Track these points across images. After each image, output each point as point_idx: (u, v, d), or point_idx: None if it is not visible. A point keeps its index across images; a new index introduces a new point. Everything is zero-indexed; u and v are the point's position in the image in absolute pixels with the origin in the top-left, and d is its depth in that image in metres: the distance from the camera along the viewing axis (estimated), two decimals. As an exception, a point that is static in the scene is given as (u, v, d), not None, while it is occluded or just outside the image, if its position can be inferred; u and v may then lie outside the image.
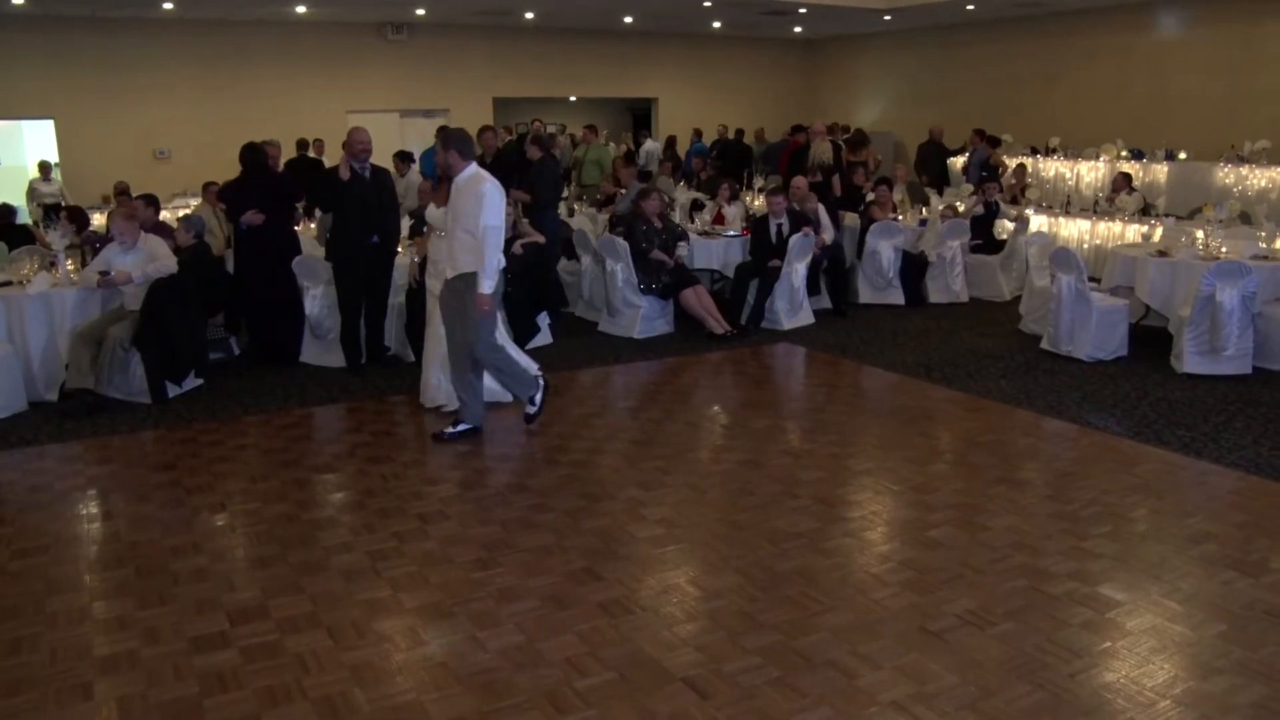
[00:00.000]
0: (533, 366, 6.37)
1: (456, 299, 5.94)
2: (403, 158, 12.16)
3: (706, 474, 5.57)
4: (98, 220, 10.35)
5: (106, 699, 3.46)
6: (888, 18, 16.55)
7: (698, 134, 17.71)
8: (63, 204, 12.32)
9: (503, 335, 6.48)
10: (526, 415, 6.30)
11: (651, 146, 17.12)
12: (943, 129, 15.39)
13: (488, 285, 5.78)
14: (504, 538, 4.70)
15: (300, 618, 3.98)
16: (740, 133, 17.29)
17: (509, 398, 6.55)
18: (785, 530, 4.74)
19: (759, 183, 13.86)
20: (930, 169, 14.71)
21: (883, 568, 4.36)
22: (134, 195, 10.54)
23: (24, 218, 12.05)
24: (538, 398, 6.28)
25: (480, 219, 5.66)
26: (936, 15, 16.60)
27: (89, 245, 8.19)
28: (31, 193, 13.96)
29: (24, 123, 16.57)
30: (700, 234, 9.58)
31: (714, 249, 9.37)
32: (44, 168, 14.40)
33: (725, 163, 15.43)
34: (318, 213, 10.65)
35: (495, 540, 4.68)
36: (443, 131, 5.88)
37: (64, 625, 3.98)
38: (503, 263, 5.95)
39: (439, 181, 6.49)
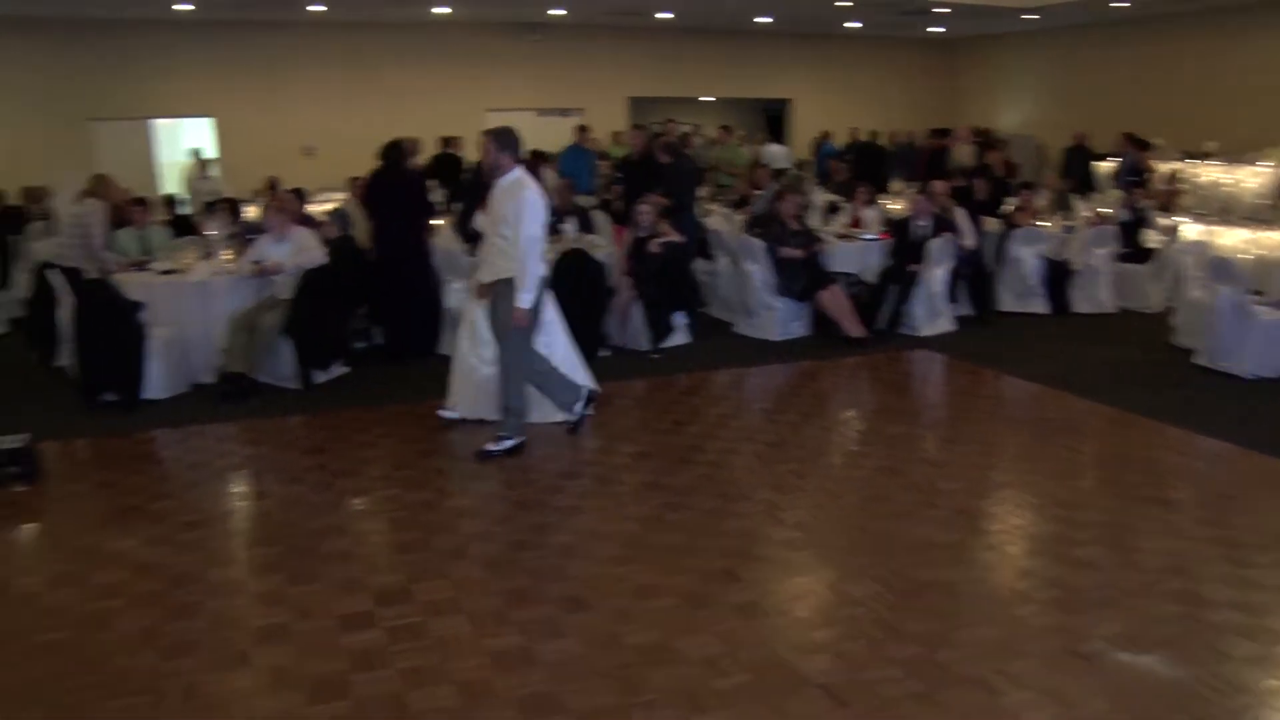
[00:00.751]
0: (579, 384, 6.21)
1: (493, 305, 5.78)
2: (539, 157, 12.33)
3: (842, 479, 5.50)
4: (251, 212, 10.80)
5: (262, 668, 3.63)
6: (1033, 16, 16.03)
7: (826, 136, 17.48)
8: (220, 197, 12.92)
9: (559, 352, 6.30)
10: (568, 424, 6.13)
11: (776, 150, 16.85)
12: (1087, 132, 14.83)
13: (527, 299, 5.54)
14: (640, 535, 4.74)
15: (443, 602, 4.09)
16: (874, 134, 17.00)
17: (559, 416, 6.31)
18: (925, 540, 4.64)
19: (895, 186, 13.64)
20: (1075, 174, 14.19)
21: (1027, 584, 4.23)
22: (284, 189, 10.98)
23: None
24: (577, 407, 6.09)
25: (521, 227, 5.40)
26: (1083, 13, 16.00)
27: (242, 236, 8.57)
28: (192, 190, 14.68)
29: (185, 120, 17.42)
30: (837, 237, 9.45)
31: (851, 252, 9.24)
32: (201, 164, 15.09)
33: (861, 165, 15.20)
34: (453, 206, 10.91)
35: (632, 537, 4.72)
36: (493, 130, 5.57)
37: (224, 595, 4.20)
38: (544, 272, 5.77)
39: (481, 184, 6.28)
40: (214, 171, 15.22)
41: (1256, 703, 3.38)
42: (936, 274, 8.76)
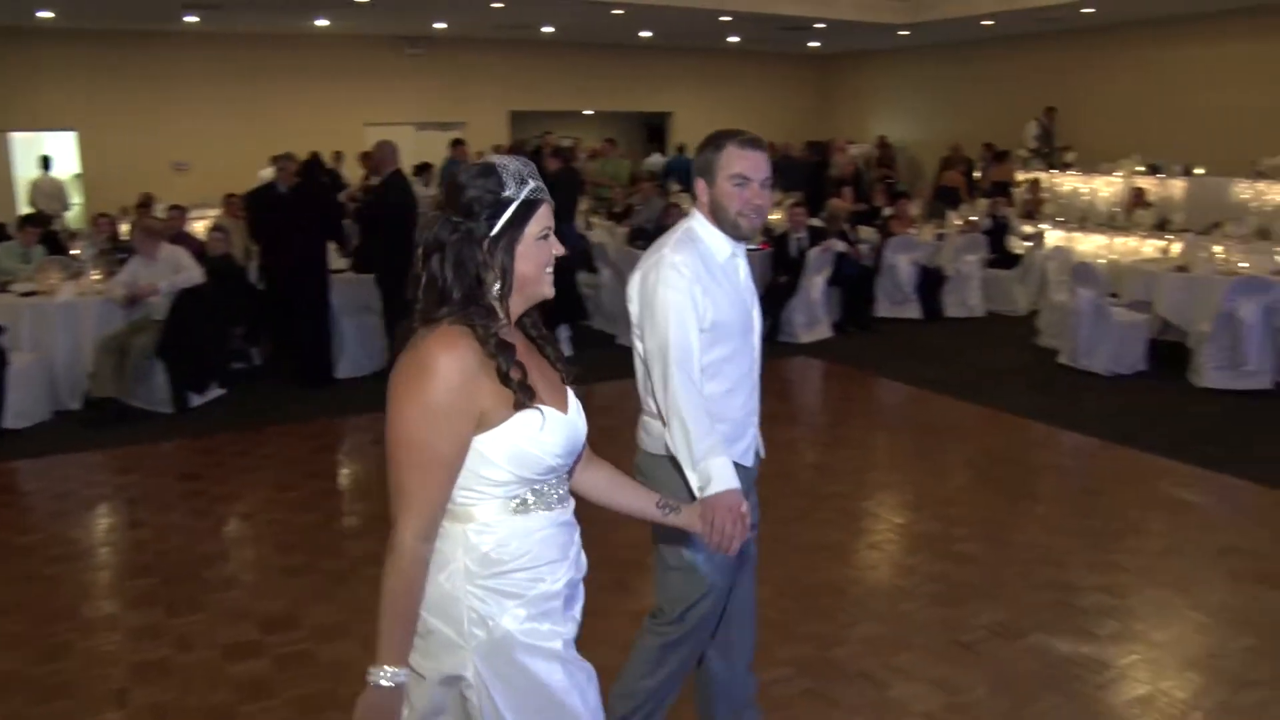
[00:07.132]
0: None
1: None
2: (418, 171, 12.25)
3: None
4: (122, 229, 10.38)
5: (140, 706, 3.49)
6: (904, 33, 16.59)
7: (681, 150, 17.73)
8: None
9: None
10: None
11: (656, 160, 17.10)
12: (960, 144, 15.46)
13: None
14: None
15: (332, 627, 4.00)
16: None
17: None
18: (813, 543, 4.75)
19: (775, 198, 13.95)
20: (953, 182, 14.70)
21: (910, 580, 4.37)
22: (156, 206, 10.61)
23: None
24: None
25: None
26: (953, 31, 16.63)
27: (113, 255, 8.19)
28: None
29: (46, 134, 16.58)
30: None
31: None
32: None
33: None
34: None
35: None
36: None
37: (98, 632, 4.01)
38: None
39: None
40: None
41: (1121, 676, 3.57)
42: (816, 282, 8.98)
